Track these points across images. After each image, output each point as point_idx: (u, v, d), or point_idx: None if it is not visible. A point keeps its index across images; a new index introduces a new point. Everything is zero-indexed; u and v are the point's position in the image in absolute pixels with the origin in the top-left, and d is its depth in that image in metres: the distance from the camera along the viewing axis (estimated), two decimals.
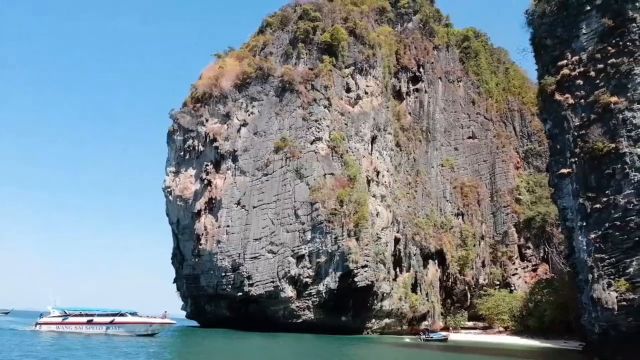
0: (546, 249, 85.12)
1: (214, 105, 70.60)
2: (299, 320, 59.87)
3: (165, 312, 47.04)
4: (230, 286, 62.15)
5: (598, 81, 34.33)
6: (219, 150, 67.49)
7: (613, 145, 32.11)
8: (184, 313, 73.28)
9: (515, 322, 72.94)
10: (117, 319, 42.92)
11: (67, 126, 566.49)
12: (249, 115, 68.73)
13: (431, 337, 60.55)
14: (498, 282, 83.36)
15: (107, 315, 43.68)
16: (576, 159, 34.55)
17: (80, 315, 43.83)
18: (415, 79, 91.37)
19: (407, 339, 61.20)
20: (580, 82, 35.48)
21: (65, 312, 44.39)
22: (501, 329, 74.50)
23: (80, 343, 32.56)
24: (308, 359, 30.55)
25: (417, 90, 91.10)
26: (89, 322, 42.76)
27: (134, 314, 45.11)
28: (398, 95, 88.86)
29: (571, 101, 35.71)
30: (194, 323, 77.39)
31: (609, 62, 33.97)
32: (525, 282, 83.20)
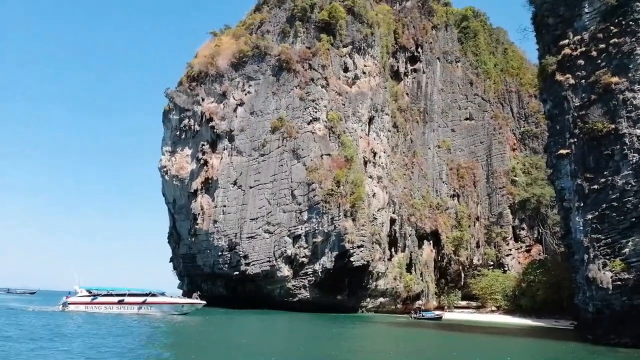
0: (540, 230, 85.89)
1: (210, 84, 69.79)
2: (294, 299, 60.42)
3: (197, 293, 47.01)
4: (226, 265, 62.43)
5: (599, 61, 34.07)
6: (215, 130, 66.98)
7: (613, 126, 32.04)
8: (179, 292, 73.68)
9: (507, 301, 74.05)
10: (149, 299, 43.00)
11: (61, 106, 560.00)
12: (245, 94, 68.06)
13: (422, 316, 61.37)
14: (492, 263, 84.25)
15: (138, 295, 43.55)
16: (575, 139, 34.50)
17: (110, 295, 43.38)
18: (413, 59, 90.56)
19: (398, 318, 61.93)
20: (581, 62, 35.21)
21: (92, 292, 43.65)
22: (494, 308, 75.64)
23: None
24: (307, 337, 30.85)
25: (415, 70, 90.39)
26: (120, 302, 42.47)
27: (162, 294, 45.37)
28: (396, 76, 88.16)
29: (572, 81, 35.48)
30: None
31: (611, 41, 33.66)
32: (519, 262, 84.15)
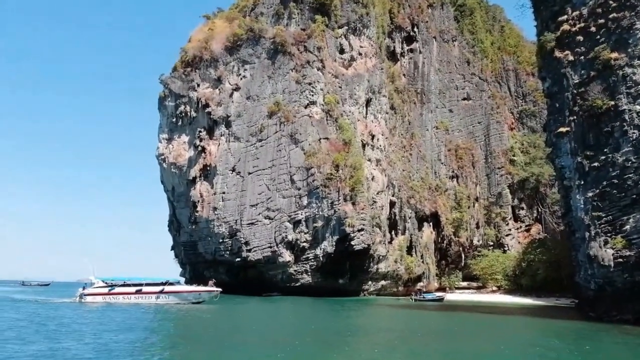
0: (539, 210, 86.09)
1: (204, 70, 68.97)
2: (297, 284, 60.60)
3: (213, 280, 47.07)
4: (228, 252, 62.47)
5: (598, 37, 33.57)
6: (211, 116, 66.40)
7: (612, 102, 31.69)
8: (182, 280, 73.87)
9: (508, 281, 74.53)
10: (167, 288, 42.58)
11: (54, 94, 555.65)
12: (241, 79, 67.30)
13: (423, 298, 61.48)
14: (492, 243, 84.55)
15: (155, 284, 43.21)
16: (575, 117, 34.18)
17: (127, 285, 43.00)
18: (409, 39, 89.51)
19: (398, 300, 62.19)
20: (580, 38, 34.69)
21: (107, 283, 43.16)
22: (494, 288, 76.15)
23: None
24: (315, 320, 30.93)
25: (411, 50, 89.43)
26: (138, 292, 42.09)
27: (178, 282, 45.20)
28: (392, 56, 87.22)
29: (571, 58, 35.01)
30: None
31: (610, 16, 33.12)
32: (519, 242, 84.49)
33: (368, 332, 24.71)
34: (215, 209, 63.27)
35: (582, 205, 32.89)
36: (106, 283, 43.05)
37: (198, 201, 64.97)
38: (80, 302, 41.47)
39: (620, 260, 29.76)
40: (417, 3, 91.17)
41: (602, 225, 31.24)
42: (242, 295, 59.10)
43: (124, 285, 43.07)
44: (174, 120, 70.10)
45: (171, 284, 43.84)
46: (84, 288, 43.20)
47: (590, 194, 32.27)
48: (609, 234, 30.78)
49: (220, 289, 44.95)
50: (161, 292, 42.32)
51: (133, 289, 42.33)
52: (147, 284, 42.88)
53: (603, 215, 31.32)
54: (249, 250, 60.58)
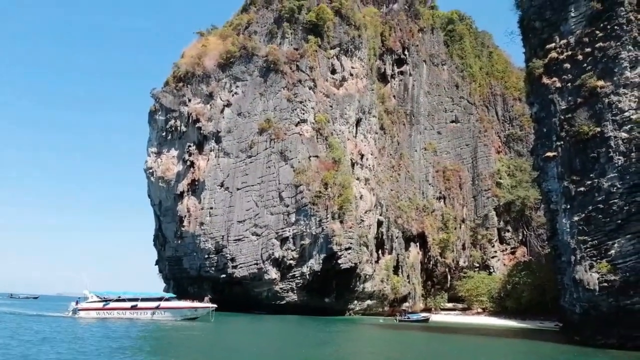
0: (525, 232, 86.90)
1: (196, 85, 69.13)
2: (282, 302, 60.02)
3: (208, 296, 46.30)
4: (213, 268, 61.77)
5: (585, 65, 34.48)
6: (202, 131, 66.33)
7: (599, 129, 32.42)
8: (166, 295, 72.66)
9: (493, 303, 74.60)
10: (163, 304, 41.90)
11: (47, 107, 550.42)
12: (232, 95, 67.55)
13: (408, 319, 60.87)
14: (478, 265, 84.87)
15: (151, 299, 42.48)
16: (562, 142, 34.84)
17: (122, 300, 42.01)
18: (400, 62, 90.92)
19: (381, 320, 61.70)
20: (567, 65, 35.59)
21: (101, 297, 42.08)
22: (480, 310, 76.13)
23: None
24: (291, 339, 30.59)
25: (401, 73, 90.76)
26: (134, 308, 41.22)
27: (173, 298, 44.33)
28: (383, 78, 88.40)
29: (558, 85, 35.84)
30: None
31: (597, 45, 34.10)
32: (504, 264, 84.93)
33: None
34: (202, 224, 62.73)
35: (568, 229, 33.31)
36: (100, 298, 41.98)
37: (185, 216, 64.39)
38: (73, 316, 40.35)
39: (606, 284, 30.07)
40: (408, 27, 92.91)
41: (588, 250, 31.62)
42: (227, 312, 58.21)
43: (118, 300, 42.06)
44: (164, 134, 69.84)
45: (167, 299, 43.11)
46: (77, 302, 41.99)
47: (576, 218, 32.73)
48: (594, 258, 31.14)
49: (215, 305, 44.36)
50: (157, 307, 41.62)
51: (128, 304, 41.48)
52: (143, 299, 42.10)
53: (589, 239, 31.73)
54: (235, 267, 59.99)
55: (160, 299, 42.57)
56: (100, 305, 41.27)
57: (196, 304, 44.12)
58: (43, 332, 27.18)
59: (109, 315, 40.64)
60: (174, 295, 45.12)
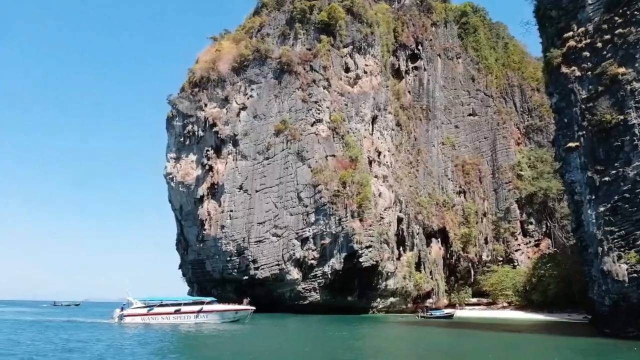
0: (548, 224, 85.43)
1: (212, 90, 69.80)
2: (305, 302, 60.21)
3: (247, 299, 47.05)
4: (235, 270, 62.32)
5: (605, 52, 33.71)
6: (219, 135, 66.94)
7: (621, 117, 31.67)
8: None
9: (519, 297, 73.64)
10: (206, 307, 42.73)
11: (62, 115, 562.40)
12: (247, 98, 68.00)
13: (431, 315, 60.34)
14: (501, 259, 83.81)
15: (193, 303, 43.42)
16: (584, 132, 34.14)
17: (165, 305, 42.88)
18: (414, 57, 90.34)
19: (400, 317, 61.40)
20: (586, 53, 34.84)
21: (146, 303, 42.95)
22: (505, 304, 75.23)
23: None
24: (310, 337, 30.66)
25: (416, 68, 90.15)
26: (177, 312, 42.02)
27: (214, 301, 45.25)
28: (397, 74, 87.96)
29: (578, 73, 35.13)
30: None
31: (616, 32, 33.31)
32: (528, 257, 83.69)
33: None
34: (222, 227, 63.32)
35: (594, 220, 32.63)
36: (144, 303, 42.80)
37: (205, 219, 65.09)
38: (120, 323, 41.02)
39: (635, 275, 29.39)
40: (421, 22, 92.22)
41: (615, 240, 30.95)
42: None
43: (161, 305, 42.92)
44: (182, 139, 70.72)
45: (209, 303, 43.87)
46: (122, 309, 42.74)
47: (601, 209, 32.05)
48: (622, 249, 30.46)
49: (254, 308, 45.04)
50: (200, 311, 42.31)
51: (172, 309, 42.34)
52: (185, 304, 42.99)
53: (615, 230, 31.05)
54: (257, 268, 60.40)
55: (202, 303, 43.32)
56: (145, 310, 42.02)
57: (237, 306, 44.94)
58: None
59: (153, 321, 41.34)
60: (215, 299, 45.82)
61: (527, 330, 41.48)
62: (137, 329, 35.08)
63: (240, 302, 45.88)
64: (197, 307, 42.64)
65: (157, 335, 30.71)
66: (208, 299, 44.92)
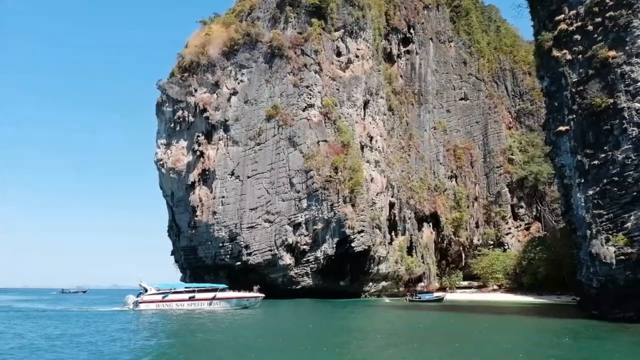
0: (539, 208, 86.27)
1: (202, 75, 68.94)
2: (298, 287, 60.54)
3: (257, 286, 47.39)
4: (228, 256, 62.38)
5: (596, 35, 33.56)
6: (209, 121, 66.35)
7: (611, 100, 31.66)
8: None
9: (509, 280, 74.55)
10: (219, 294, 43.30)
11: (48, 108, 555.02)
12: (238, 83, 67.29)
13: (419, 299, 60.48)
14: (492, 242, 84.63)
15: (207, 290, 43.84)
16: (574, 115, 34.16)
17: (179, 292, 43.37)
18: (405, 41, 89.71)
19: (386, 300, 61.88)
20: (578, 37, 34.69)
21: (160, 290, 43.16)
22: (495, 287, 76.17)
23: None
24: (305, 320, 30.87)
25: (408, 52, 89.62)
26: (192, 299, 42.54)
27: (226, 288, 45.58)
28: (389, 58, 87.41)
29: (569, 57, 34.99)
30: None
31: (607, 15, 33.12)
32: (519, 240, 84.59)
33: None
34: (214, 213, 63.17)
35: (583, 204, 32.87)
36: (159, 290, 42.98)
37: (197, 206, 64.85)
38: (135, 309, 41.19)
39: (622, 257, 29.72)
40: (412, 5, 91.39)
41: (604, 223, 31.22)
42: None
43: (176, 292, 43.31)
44: (172, 125, 70.01)
45: (222, 290, 44.15)
46: (138, 295, 42.77)
47: (590, 192, 32.26)
48: (610, 232, 30.76)
49: (263, 295, 45.61)
50: (214, 298, 42.85)
51: (186, 296, 42.79)
52: (199, 290, 43.45)
53: (604, 213, 31.31)
54: (249, 254, 60.49)
55: (215, 290, 43.78)
56: (160, 297, 42.25)
57: (249, 294, 45.38)
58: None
59: (168, 307, 41.77)
60: (227, 286, 46.17)
61: (516, 312, 42.03)
62: (164, 316, 35.25)
63: (251, 289, 46.33)
64: (210, 294, 43.17)
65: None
66: (221, 286, 45.30)
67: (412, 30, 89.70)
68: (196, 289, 43.92)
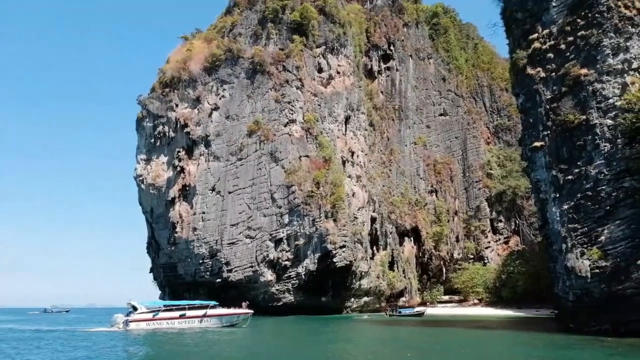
0: (517, 222, 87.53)
1: (183, 90, 68.77)
2: (279, 304, 59.97)
3: (246, 302, 46.69)
4: (208, 273, 61.60)
5: (568, 54, 34.61)
6: (190, 136, 66.01)
7: (584, 117, 32.55)
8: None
9: (489, 293, 75.16)
10: (210, 312, 42.41)
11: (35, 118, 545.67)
12: (220, 98, 67.28)
13: (399, 313, 60.53)
14: (472, 256, 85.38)
15: (198, 308, 42.89)
16: (548, 132, 34.99)
17: (170, 309, 42.30)
18: (386, 57, 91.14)
19: (365, 316, 61.69)
20: (551, 55, 35.73)
21: (150, 308, 41.98)
22: (476, 301, 76.65)
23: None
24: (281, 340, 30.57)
25: (388, 68, 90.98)
26: (182, 317, 41.52)
27: (216, 305, 44.64)
28: (370, 74, 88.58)
29: (542, 75, 35.97)
30: None
31: (579, 34, 34.22)
32: (498, 254, 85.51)
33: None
34: (195, 229, 62.49)
35: (558, 218, 33.50)
36: (149, 308, 41.84)
37: (177, 222, 64.10)
38: (125, 328, 39.54)
39: (597, 271, 30.27)
40: (392, 22, 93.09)
41: (578, 237, 31.82)
42: None
43: (167, 310, 42.32)
44: (152, 140, 69.44)
45: (212, 307, 43.42)
46: (128, 314, 41.28)
47: (565, 207, 32.92)
48: (585, 245, 31.34)
49: (252, 311, 45.00)
50: (204, 315, 42.00)
51: (177, 314, 41.76)
52: (190, 308, 42.58)
53: (579, 227, 31.93)
54: (230, 271, 59.85)
55: (206, 307, 43.01)
56: (150, 316, 41.14)
57: (239, 310, 44.70)
58: None
59: (158, 326, 40.60)
60: (217, 303, 45.41)
61: (495, 326, 42.31)
62: (137, 335, 34.09)
63: (240, 306, 45.65)
64: (201, 312, 42.34)
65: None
66: (211, 303, 44.44)
67: (392, 47, 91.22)
68: (187, 306, 42.95)
